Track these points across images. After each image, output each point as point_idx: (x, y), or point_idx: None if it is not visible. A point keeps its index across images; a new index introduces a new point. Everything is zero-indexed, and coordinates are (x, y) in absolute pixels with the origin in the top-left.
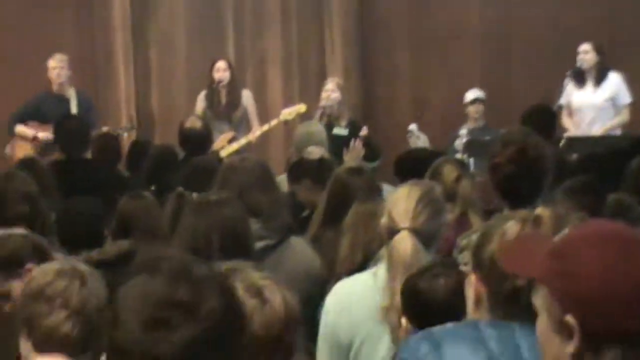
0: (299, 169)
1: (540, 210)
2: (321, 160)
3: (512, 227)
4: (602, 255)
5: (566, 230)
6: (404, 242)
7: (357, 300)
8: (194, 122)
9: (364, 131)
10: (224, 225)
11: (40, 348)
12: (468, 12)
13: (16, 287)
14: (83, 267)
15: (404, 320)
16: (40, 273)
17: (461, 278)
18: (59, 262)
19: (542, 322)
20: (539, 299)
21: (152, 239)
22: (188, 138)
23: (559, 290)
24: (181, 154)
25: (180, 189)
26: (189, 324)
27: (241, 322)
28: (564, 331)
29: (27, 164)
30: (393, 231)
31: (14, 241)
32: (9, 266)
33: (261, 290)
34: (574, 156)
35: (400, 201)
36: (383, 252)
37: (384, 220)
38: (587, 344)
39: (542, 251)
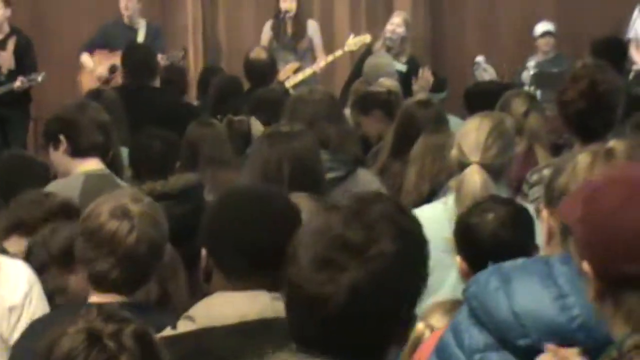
0: (369, 100)
1: (612, 142)
2: (390, 92)
3: (583, 160)
4: (613, 200)
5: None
6: (474, 176)
7: (427, 228)
8: (259, 53)
9: (426, 71)
10: (294, 156)
11: (95, 288)
12: None
13: (72, 281)
14: (139, 206)
15: (458, 259)
16: (94, 212)
17: (514, 212)
18: (114, 199)
19: (577, 267)
20: (571, 246)
21: (218, 166)
22: (253, 69)
23: (577, 236)
24: (246, 84)
25: (230, 116)
26: (355, 266)
27: (416, 263)
28: (585, 278)
29: (95, 95)
30: (463, 164)
31: (66, 232)
32: (63, 261)
33: None
34: None
35: (471, 134)
36: (452, 183)
37: (453, 152)
38: (603, 291)
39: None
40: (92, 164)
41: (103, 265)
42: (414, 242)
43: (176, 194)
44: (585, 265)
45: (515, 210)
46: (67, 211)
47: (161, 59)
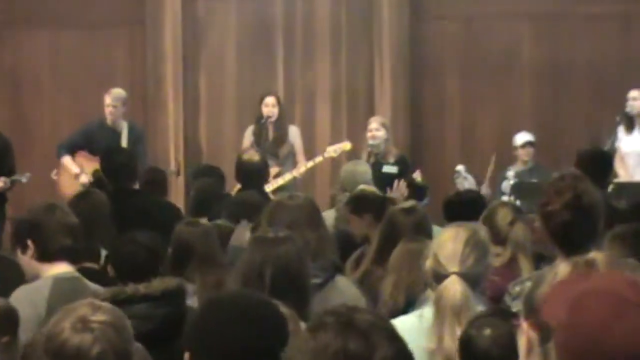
0: (363, 203)
1: (593, 254)
2: (387, 198)
3: (563, 270)
4: (602, 313)
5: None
6: (453, 287)
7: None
8: (252, 155)
9: (417, 174)
10: (278, 262)
11: None
12: (520, 48)
13: None
14: (99, 315)
15: None
16: (55, 330)
17: (512, 329)
18: (74, 311)
19: None
20: (551, 349)
21: (209, 267)
22: (245, 170)
23: (560, 341)
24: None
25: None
26: None
27: None
28: None
29: (84, 196)
30: (440, 275)
31: None
32: None
33: None
34: (622, 202)
35: (447, 244)
36: (429, 294)
37: (429, 263)
38: None
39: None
40: (61, 268)
41: None
42: (404, 345)
43: (158, 296)
44: None
45: (514, 330)
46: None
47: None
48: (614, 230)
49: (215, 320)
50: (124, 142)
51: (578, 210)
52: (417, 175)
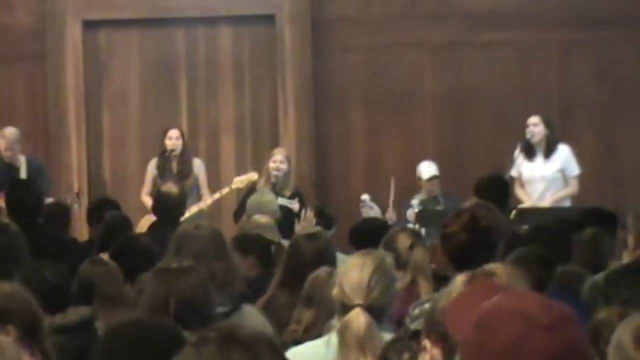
0: (247, 243)
1: (492, 265)
2: (271, 242)
3: (460, 280)
4: (512, 332)
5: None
6: (358, 320)
7: None
8: (170, 187)
9: (308, 212)
10: (182, 294)
11: None
12: (422, 77)
13: None
14: None
15: None
16: None
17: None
18: None
19: None
20: None
21: (113, 305)
22: (163, 203)
23: (467, 358)
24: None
25: None
26: None
27: None
28: None
29: (2, 228)
30: (346, 306)
31: None
32: None
33: None
34: (524, 227)
35: (353, 274)
36: (336, 324)
37: (335, 292)
38: None
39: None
40: None
41: None
42: (284, 355)
43: (73, 327)
44: None
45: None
46: None
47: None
48: (514, 254)
49: (116, 346)
50: (23, 176)
51: (474, 232)
52: (308, 213)
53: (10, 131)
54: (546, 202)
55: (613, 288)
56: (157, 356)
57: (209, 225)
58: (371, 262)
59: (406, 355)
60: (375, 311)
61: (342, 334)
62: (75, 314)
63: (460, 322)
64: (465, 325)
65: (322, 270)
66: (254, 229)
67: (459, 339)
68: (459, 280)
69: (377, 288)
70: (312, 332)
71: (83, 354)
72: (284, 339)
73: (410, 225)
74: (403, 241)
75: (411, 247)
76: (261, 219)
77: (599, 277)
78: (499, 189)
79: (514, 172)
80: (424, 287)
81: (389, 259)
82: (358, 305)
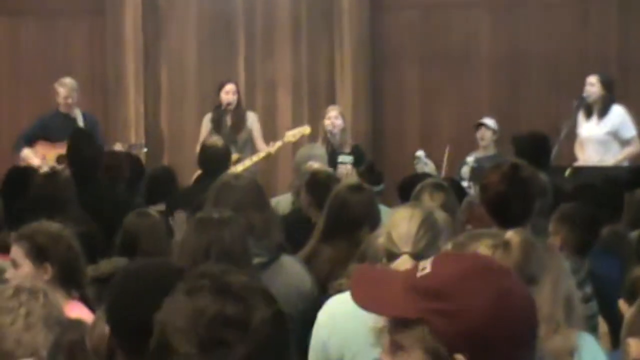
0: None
1: (510, 234)
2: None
3: (483, 250)
4: (485, 291)
5: (428, 266)
6: (406, 266)
7: (349, 316)
8: (215, 141)
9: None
10: (223, 244)
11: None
12: (478, 37)
13: None
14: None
15: None
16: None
17: None
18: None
19: None
20: (411, 338)
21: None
22: (208, 157)
23: (447, 330)
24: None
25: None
26: (244, 340)
27: (289, 330)
28: None
29: (50, 175)
30: (393, 254)
31: None
32: None
33: None
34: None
35: (402, 224)
36: None
37: (382, 241)
38: None
39: (397, 288)
40: None
41: None
42: (280, 307)
43: (106, 278)
44: (460, 357)
45: None
46: None
47: (122, 147)
48: (560, 210)
49: (129, 291)
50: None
51: (514, 183)
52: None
53: (70, 80)
54: (602, 162)
55: None
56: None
57: (249, 175)
58: (420, 214)
59: None
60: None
61: None
62: (107, 265)
63: (384, 301)
64: (396, 301)
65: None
66: None
67: (407, 316)
68: (482, 250)
69: (425, 238)
70: None
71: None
72: (330, 292)
73: (465, 183)
74: (426, 200)
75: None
76: (314, 164)
77: (634, 234)
78: (540, 146)
79: (571, 130)
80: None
81: (439, 212)
82: (406, 253)
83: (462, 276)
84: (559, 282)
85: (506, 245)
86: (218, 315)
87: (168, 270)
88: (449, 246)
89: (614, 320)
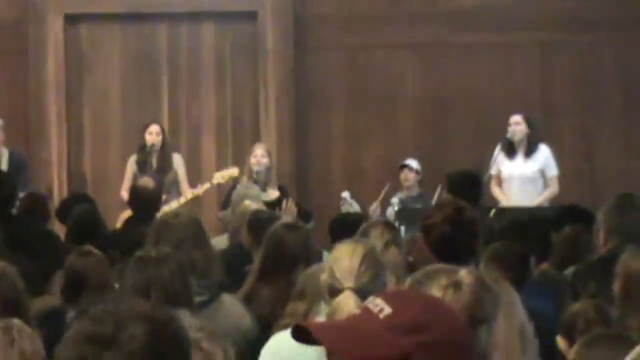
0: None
1: (462, 274)
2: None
3: (437, 294)
4: (452, 319)
5: (384, 306)
6: (348, 302)
7: (294, 352)
8: (146, 183)
9: (289, 202)
10: (162, 282)
11: None
12: (404, 78)
13: None
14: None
15: None
16: None
17: None
18: None
19: None
20: None
21: (103, 295)
22: (139, 198)
23: None
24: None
25: None
26: (109, 355)
27: (176, 348)
28: None
29: None
30: (335, 289)
31: None
32: None
33: (199, 342)
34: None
35: (344, 259)
36: (323, 308)
37: (325, 278)
38: None
39: (375, 328)
40: None
41: None
42: (165, 329)
43: (41, 317)
44: None
45: None
46: None
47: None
48: (490, 249)
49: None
50: (4, 167)
51: (458, 224)
52: (289, 203)
53: None
54: (526, 203)
55: (580, 282)
56: None
57: (189, 213)
58: (362, 249)
59: None
60: (364, 296)
61: (332, 316)
62: (40, 304)
63: (366, 344)
64: (380, 343)
65: (315, 266)
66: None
67: (395, 355)
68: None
69: (368, 273)
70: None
71: (46, 345)
72: (273, 333)
73: None
74: (377, 238)
75: (385, 246)
76: (252, 205)
77: (568, 272)
78: (473, 184)
79: (493, 170)
80: (393, 285)
81: (378, 248)
82: (348, 288)
83: (428, 309)
84: (512, 314)
85: (457, 285)
86: (88, 334)
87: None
88: (407, 283)
89: (551, 357)
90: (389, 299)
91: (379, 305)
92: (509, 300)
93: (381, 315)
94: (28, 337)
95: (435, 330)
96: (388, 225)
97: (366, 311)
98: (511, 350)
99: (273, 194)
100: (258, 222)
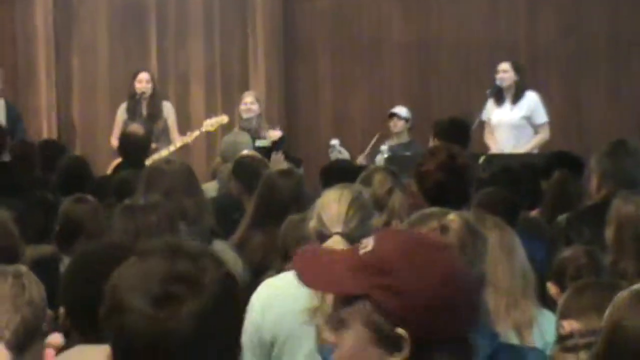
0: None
1: (450, 218)
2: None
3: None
4: (430, 270)
5: (370, 243)
6: (337, 246)
7: (282, 298)
8: (136, 129)
9: (278, 154)
10: (150, 230)
11: None
12: (389, 26)
13: None
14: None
15: None
16: None
17: None
18: None
19: (356, 337)
20: (354, 314)
21: (99, 240)
22: (129, 144)
23: (390, 305)
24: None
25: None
26: (193, 296)
27: (239, 292)
28: (390, 344)
29: None
30: (324, 235)
31: None
32: None
33: None
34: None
35: (332, 205)
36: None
37: (313, 224)
38: (417, 353)
39: (342, 267)
40: None
41: None
42: (230, 270)
43: (30, 265)
44: (401, 332)
45: None
46: None
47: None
48: (478, 196)
49: (84, 273)
50: (3, 120)
51: (451, 171)
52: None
53: None
54: (514, 149)
55: (574, 229)
56: None
57: (180, 161)
58: (349, 194)
59: None
60: (352, 241)
61: None
62: (32, 252)
63: (328, 278)
64: (341, 278)
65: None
66: None
67: (351, 293)
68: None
69: (355, 218)
70: None
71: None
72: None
73: None
74: (380, 183)
75: (389, 192)
76: (249, 153)
77: (561, 218)
78: (459, 130)
79: (484, 117)
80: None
81: (367, 192)
82: (337, 233)
83: (405, 252)
84: (514, 257)
85: (444, 228)
86: (169, 272)
87: (120, 249)
88: (403, 225)
89: (542, 302)
90: (377, 238)
91: (366, 243)
92: (510, 243)
93: (361, 252)
94: (36, 284)
95: (402, 276)
96: (389, 171)
97: (354, 248)
98: (513, 292)
99: (274, 134)
100: (241, 168)
